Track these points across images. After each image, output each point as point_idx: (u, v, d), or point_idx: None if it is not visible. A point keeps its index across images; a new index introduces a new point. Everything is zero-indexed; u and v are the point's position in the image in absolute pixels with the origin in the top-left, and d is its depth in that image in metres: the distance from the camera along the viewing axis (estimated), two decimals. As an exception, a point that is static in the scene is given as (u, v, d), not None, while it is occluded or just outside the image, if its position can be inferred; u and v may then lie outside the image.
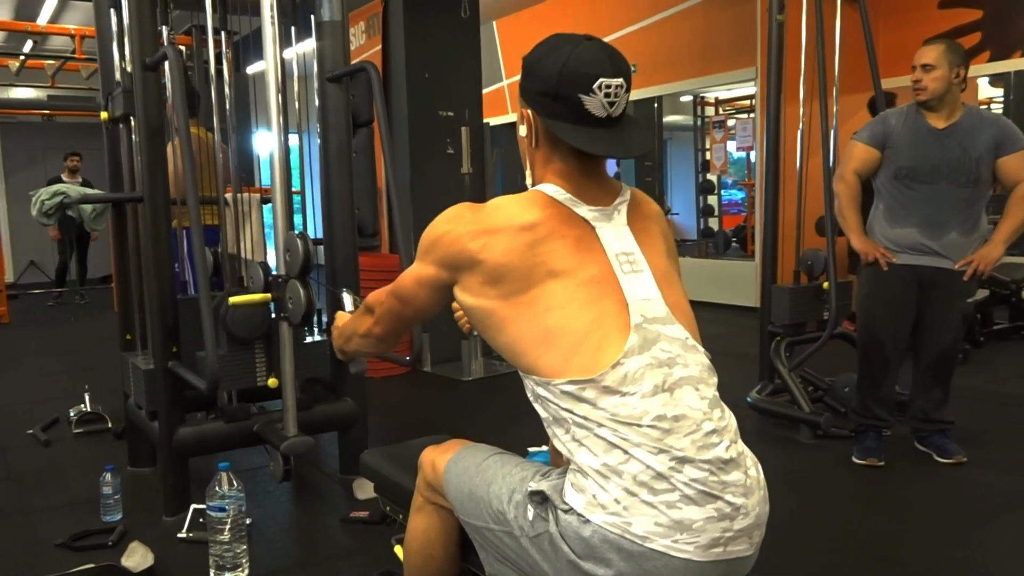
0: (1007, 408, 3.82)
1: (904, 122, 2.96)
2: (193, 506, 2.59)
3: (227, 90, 2.89)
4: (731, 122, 8.78)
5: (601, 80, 1.24)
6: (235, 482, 2.26)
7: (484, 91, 9.50)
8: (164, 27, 2.80)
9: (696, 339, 1.30)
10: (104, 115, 2.92)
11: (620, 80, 1.25)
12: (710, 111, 9.40)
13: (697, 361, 1.26)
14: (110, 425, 3.73)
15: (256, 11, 2.54)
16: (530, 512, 1.23)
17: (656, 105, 8.60)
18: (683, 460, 1.17)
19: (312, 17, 2.94)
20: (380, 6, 5.07)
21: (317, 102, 2.96)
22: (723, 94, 9.13)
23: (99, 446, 3.55)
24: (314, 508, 2.89)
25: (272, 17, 2.46)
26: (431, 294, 1.37)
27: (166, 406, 2.66)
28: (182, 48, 3.55)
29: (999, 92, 8.83)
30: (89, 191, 3.75)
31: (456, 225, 1.29)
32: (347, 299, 1.85)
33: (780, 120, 3.61)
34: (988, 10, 6.31)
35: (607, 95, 1.25)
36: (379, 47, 5.11)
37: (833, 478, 3.01)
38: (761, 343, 3.70)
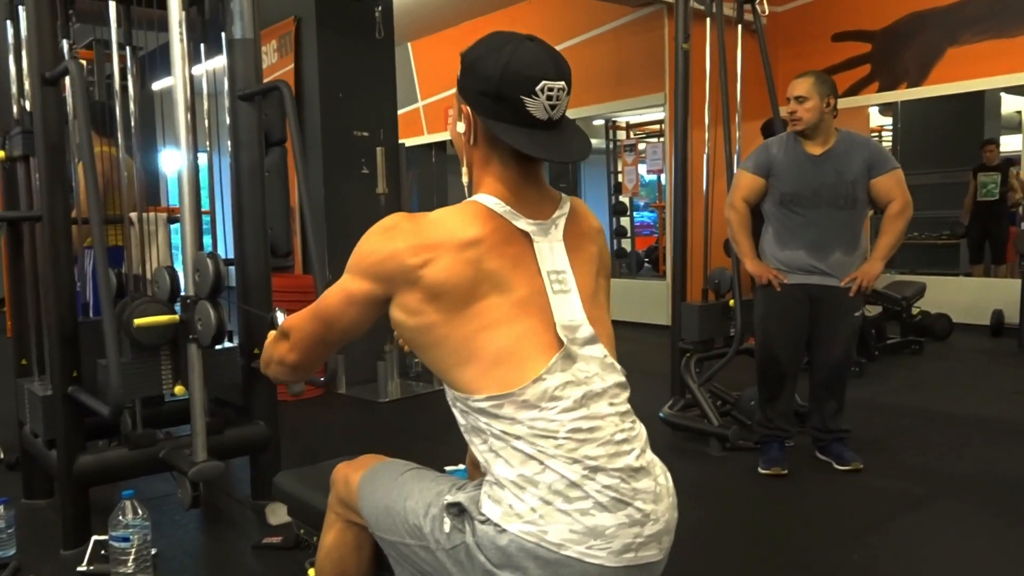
0: (899, 417, 4.03)
1: (784, 150, 3.14)
2: (94, 538, 2.48)
3: (132, 106, 2.82)
4: (642, 146, 9.04)
5: (544, 83, 1.22)
6: (140, 510, 2.18)
7: (399, 112, 9.53)
8: (65, 40, 2.71)
9: (613, 356, 1.33)
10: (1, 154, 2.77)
11: (562, 83, 1.24)
12: (622, 135, 9.66)
13: (612, 378, 1.30)
14: (2, 456, 3.53)
15: (163, 27, 2.49)
16: (447, 524, 1.24)
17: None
18: (596, 469, 1.20)
19: (223, 34, 2.90)
20: (292, 25, 5.02)
21: (228, 120, 2.91)
22: (634, 118, 9.40)
23: (16, 477, 3.36)
24: (225, 536, 2.80)
25: (180, 33, 2.42)
26: (362, 311, 1.30)
27: (65, 433, 2.54)
28: (83, 63, 3.46)
29: (888, 120, 9.41)
30: None
31: (394, 238, 1.25)
32: (280, 318, 1.81)
33: (687, 144, 3.76)
34: (877, 44, 6.73)
35: (549, 98, 1.23)
36: (291, 66, 5.06)
37: (740, 487, 3.12)
38: (672, 359, 3.81)
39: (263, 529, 2.74)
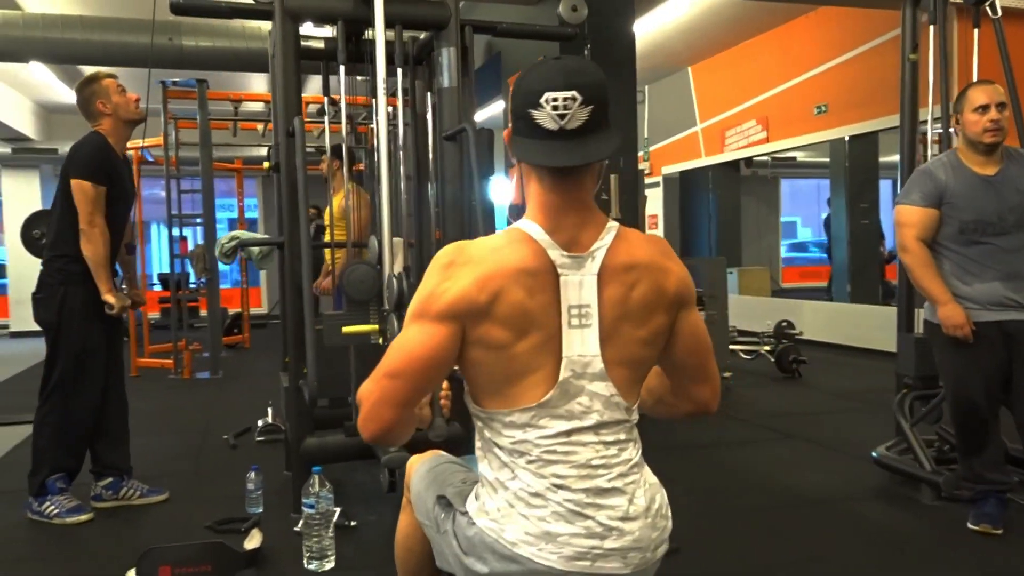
0: None
1: (952, 174, 2.78)
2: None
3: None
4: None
5: (548, 94, 1.25)
6: (326, 484, 2.63)
7: (677, 136, 9.60)
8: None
9: (626, 393, 1.34)
10: (266, 165, 3.50)
11: (571, 92, 1.25)
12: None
13: (611, 415, 1.34)
14: (284, 428, 4.33)
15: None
16: (441, 512, 1.45)
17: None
18: (561, 486, 1.31)
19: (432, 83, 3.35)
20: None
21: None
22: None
23: (271, 452, 4.15)
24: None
25: (382, 91, 2.89)
26: (441, 357, 1.29)
27: (295, 418, 3.13)
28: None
29: None
30: (258, 236, 4.42)
31: (459, 274, 1.28)
32: None
33: (913, 159, 3.45)
34: None
35: (555, 108, 1.25)
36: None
37: (944, 543, 2.81)
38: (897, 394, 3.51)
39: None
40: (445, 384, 1.54)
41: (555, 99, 1.25)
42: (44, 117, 11.59)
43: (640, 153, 10.77)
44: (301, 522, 2.85)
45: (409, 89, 3.80)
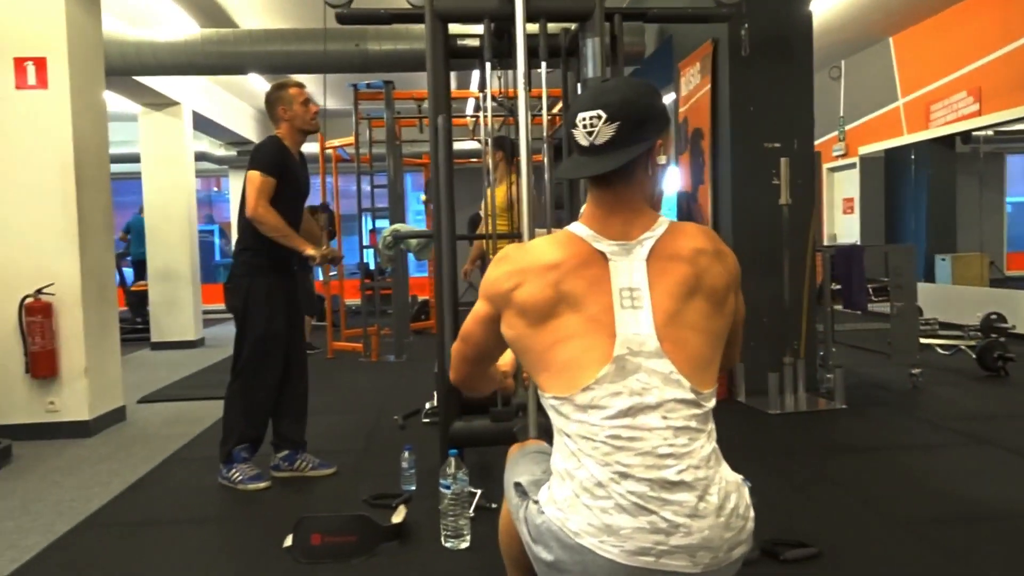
0: None
1: None
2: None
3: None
4: None
5: (580, 114, 1.43)
6: (463, 466, 2.75)
7: (876, 113, 8.98)
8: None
9: (689, 374, 1.37)
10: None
11: (597, 111, 1.40)
12: None
13: (673, 393, 1.35)
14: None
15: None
16: (517, 499, 1.51)
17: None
18: (625, 475, 1.32)
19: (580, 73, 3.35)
20: (710, 47, 5.26)
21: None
22: None
23: (434, 433, 4.31)
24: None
25: (525, 86, 2.94)
26: (487, 329, 1.54)
27: (444, 403, 3.28)
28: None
29: None
30: (418, 229, 4.62)
31: (499, 266, 1.50)
32: None
33: None
34: None
35: (585, 126, 1.42)
36: (708, 86, 5.31)
37: None
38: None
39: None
40: None
41: (583, 118, 1.42)
42: (263, 122, 12.84)
43: (835, 133, 10.09)
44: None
45: (562, 82, 3.86)
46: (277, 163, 3.41)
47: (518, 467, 1.61)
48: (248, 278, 3.47)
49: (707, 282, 1.42)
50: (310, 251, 3.41)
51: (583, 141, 1.43)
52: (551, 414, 1.44)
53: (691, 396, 1.37)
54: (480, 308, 1.54)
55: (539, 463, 1.59)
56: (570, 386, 1.38)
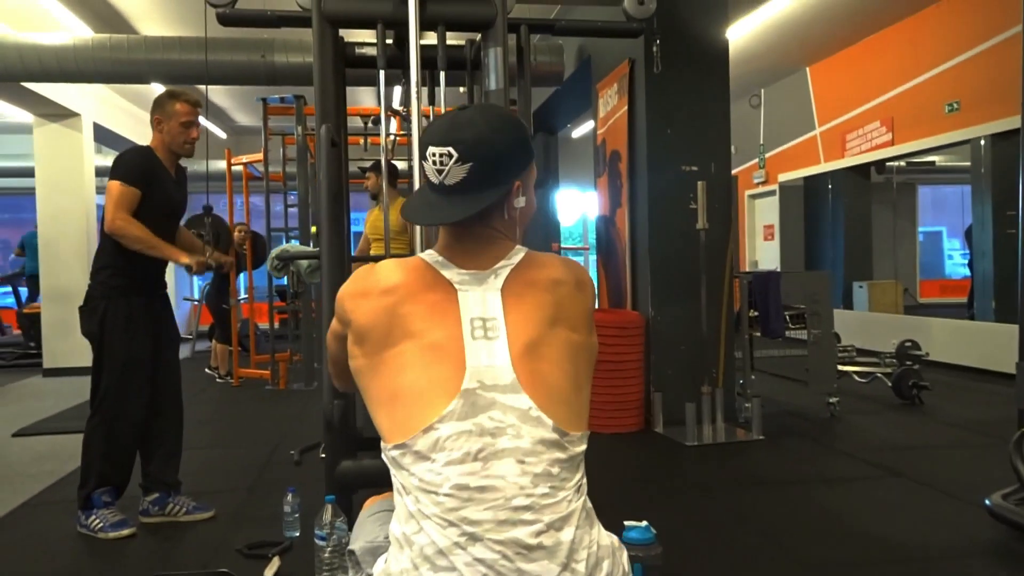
0: None
1: None
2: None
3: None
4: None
5: (430, 147, 1.27)
6: (340, 514, 2.47)
7: (794, 141, 9.07)
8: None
9: (551, 411, 1.18)
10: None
11: (446, 149, 1.25)
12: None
13: (533, 433, 1.16)
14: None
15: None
16: (351, 570, 1.32)
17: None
18: (473, 537, 1.09)
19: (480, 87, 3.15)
20: (627, 67, 5.15)
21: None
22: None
23: (332, 470, 4.06)
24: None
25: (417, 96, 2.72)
26: (342, 346, 1.40)
27: (331, 439, 2.99)
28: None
29: None
30: (306, 249, 4.34)
31: (348, 285, 1.36)
32: None
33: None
34: None
35: (434, 163, 1.27)
36: (626, 108, 5.19)
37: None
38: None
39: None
40: None
41: (434, 154, 1.27)
42: (233, 140, 12.09)
43: (756, 161, 10.18)
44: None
45: (467, 95, 3.65)
46: (143, 172, 3.09)
47: (362, 528, 1.38)
48: (105, 300, 3.13)
49: (568, 312, 1.29)
50: (184, 260, 3.11)
51: (433, 179, 1.29)
52: (392, 472, 1.22)
53: (554, 436, 1.17)
54: (333, 324, 1.43)
55: (383, 525, 1.35)
56: (409, 428, 1.17)
